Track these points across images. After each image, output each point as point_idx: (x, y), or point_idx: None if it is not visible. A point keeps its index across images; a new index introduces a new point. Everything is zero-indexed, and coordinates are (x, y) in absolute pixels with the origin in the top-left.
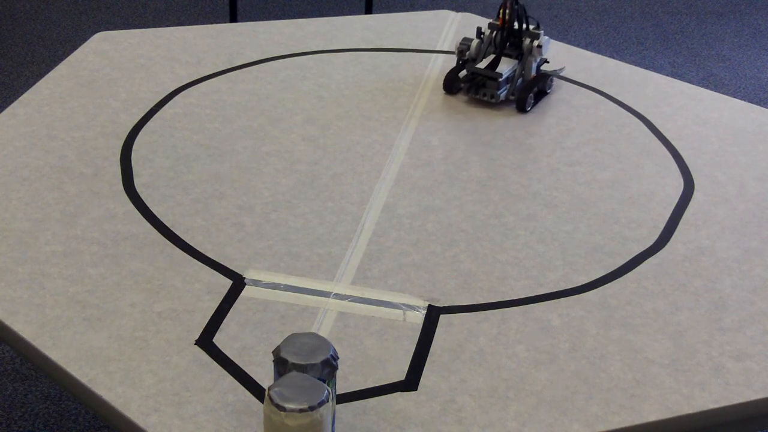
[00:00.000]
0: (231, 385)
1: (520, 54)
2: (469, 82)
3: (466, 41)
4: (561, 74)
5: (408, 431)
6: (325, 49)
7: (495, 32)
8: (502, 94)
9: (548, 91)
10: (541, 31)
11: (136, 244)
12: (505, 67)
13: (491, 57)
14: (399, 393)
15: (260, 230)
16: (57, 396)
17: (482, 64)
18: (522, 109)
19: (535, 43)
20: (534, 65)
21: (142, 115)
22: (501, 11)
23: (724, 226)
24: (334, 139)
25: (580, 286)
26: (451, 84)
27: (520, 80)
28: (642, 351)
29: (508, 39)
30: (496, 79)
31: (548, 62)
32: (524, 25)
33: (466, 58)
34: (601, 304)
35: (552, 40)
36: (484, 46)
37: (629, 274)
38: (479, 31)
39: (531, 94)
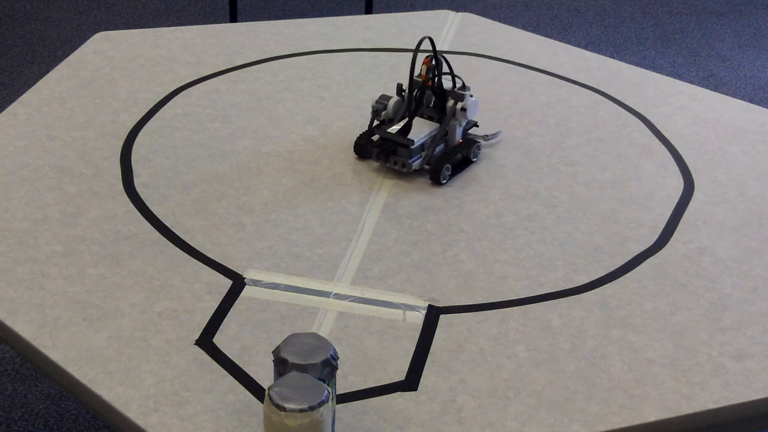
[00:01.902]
0: (231, 385)
1: (443, 116)
2: (378, 147)
3: (384, 99)
4: (494, 140)
5: (408, 431)
6: (325, 49)
7: (417, 91)
8: (415, 163)
9: (473, 159)
10: (467, 92)
11: (136, 244)
12: (422, 131)
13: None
14: (399, 393)
15: (260, 230)
16: (57, 396)
17: (396, 128)
18: (436, 181)
19: (459, 105)
20: (459, 130)
21: (142, 115)
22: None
23: (724, 226)
24: (334, 139)
25: (580, 286)
26: (362, 148)
27: (441, 146)
28: (642, 351)
29: (422, 100)
30: (408, 147)
31: (477, 126)
32: (452, 84)
33: (382, 118)
34: (601, 304)
35: (554, 41)
36: (405, 106)
37: (629, 274)
38: (399, 89)
39: (448, 165)
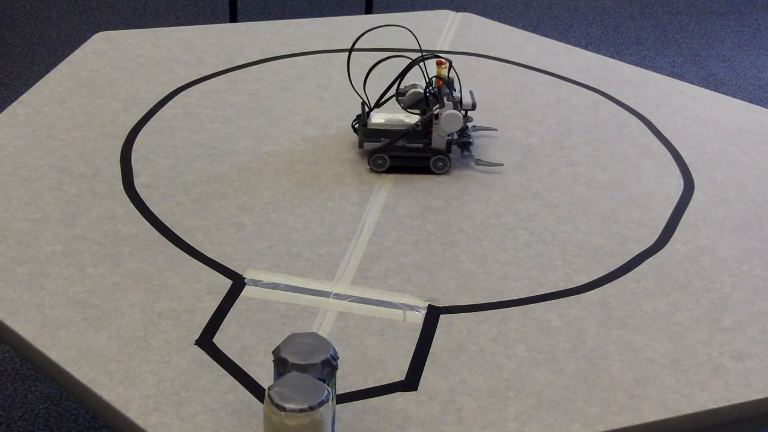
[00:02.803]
0: (231, 385)
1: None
2: (356, 121)
3: (410, 87)
4: (486, 167)
5: (408, 431)
6: (325, 49)
7: (435, 89)
8: (366, 144)
9: (437, 171)
10: (451, 103)
11: (136, 244)
12: (392, 120)
13: (414, 112)
14: (399, 393)
15: (260, 230)
16: (57, 396)
17: (377, 109)
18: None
19: (436, 111)
20: (440, 137)
21: (142, 115)
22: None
23: (724, 226)
24: (334, 139)
25: (580, 286)
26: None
27: (421, 145)
28: (642, 351)
29: (396, 93)
30: (365, 126)
31: (472, 142)
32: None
33: (401, 99)
34: (601, 304)
35: (554, 41)
36: (421, 97)
37: (629, 274)
38: (429, 83)
39: (384, 156)
